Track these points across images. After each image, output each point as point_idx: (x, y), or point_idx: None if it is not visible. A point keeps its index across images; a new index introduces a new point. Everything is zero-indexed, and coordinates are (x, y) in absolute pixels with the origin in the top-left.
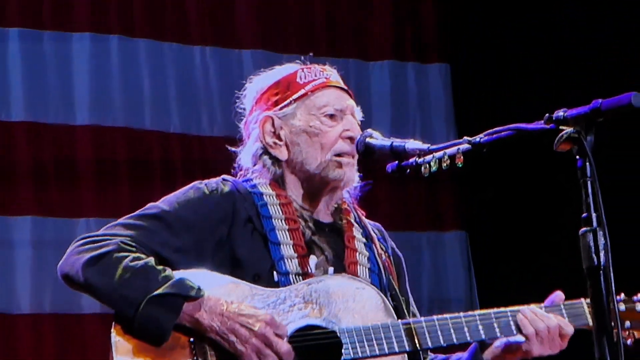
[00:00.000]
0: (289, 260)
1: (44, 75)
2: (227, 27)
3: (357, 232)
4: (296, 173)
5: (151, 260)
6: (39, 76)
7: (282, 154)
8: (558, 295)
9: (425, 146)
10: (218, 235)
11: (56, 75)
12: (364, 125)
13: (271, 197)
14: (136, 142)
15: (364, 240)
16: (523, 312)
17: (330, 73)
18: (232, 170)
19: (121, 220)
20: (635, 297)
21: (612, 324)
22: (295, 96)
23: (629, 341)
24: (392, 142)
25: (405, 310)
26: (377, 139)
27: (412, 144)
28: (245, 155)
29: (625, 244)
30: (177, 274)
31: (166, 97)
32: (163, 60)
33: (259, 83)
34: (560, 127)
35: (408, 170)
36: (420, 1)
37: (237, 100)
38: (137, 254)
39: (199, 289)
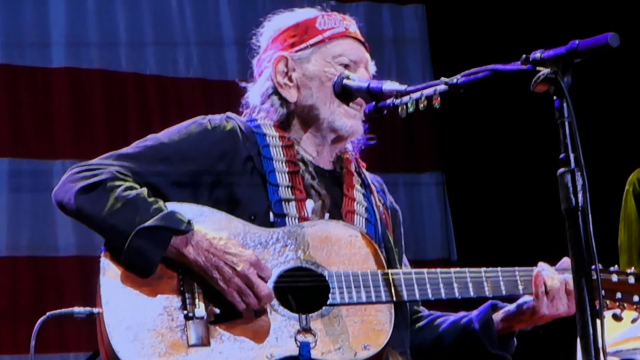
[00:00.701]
0: (286, 202)
1: (20, 16)
2: None
3: (356, 182)
4: (303, 117)
5: (144, 191)
6: (15, 18)
7: (292, 95)
8: (566, 261)
9: (403, 87)
10: (216, 171)
11: (33, 17)
12: None
13: (274, 139)
14: (112, 84)
15: (362, 190)
16: (538, 270)
17: (349, 24)
18: (207, 112)
19: (119, 150)
20: (628, 270)
21: (592, 266)
22: (312, 41)
23: (618, 311)
24: (369, 83)
25: (398, 263)
26: (354, 80)
27: (389, 85)
28: (255, 92)
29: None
30: (170, 207)
31: (142, 39)
32: (139, 2)
33: (277, 23)
34: (537, 68)
35: (385, 111)
36: None
37: (213, 43)
38: (131, 184)
39: (189, 222)
